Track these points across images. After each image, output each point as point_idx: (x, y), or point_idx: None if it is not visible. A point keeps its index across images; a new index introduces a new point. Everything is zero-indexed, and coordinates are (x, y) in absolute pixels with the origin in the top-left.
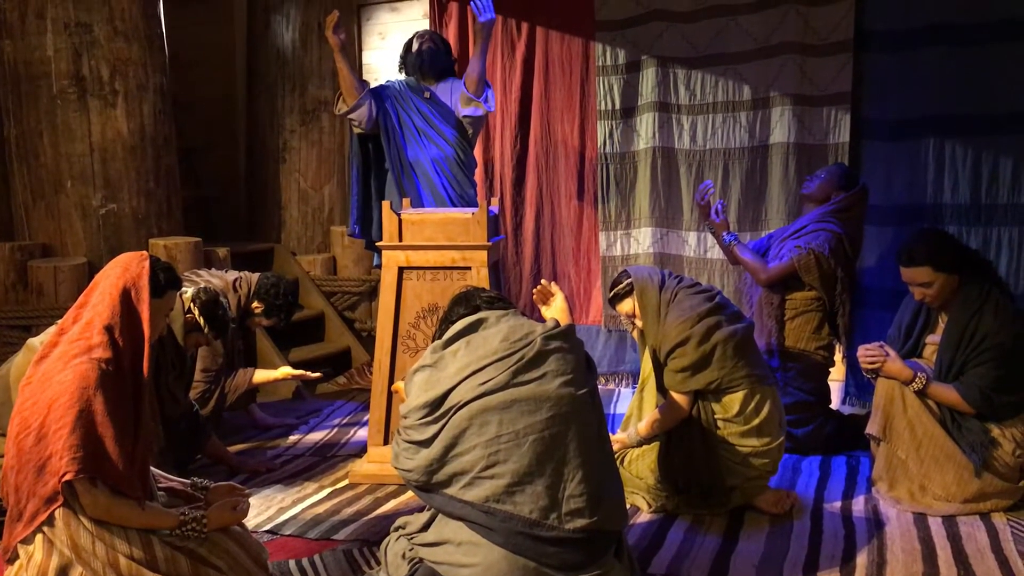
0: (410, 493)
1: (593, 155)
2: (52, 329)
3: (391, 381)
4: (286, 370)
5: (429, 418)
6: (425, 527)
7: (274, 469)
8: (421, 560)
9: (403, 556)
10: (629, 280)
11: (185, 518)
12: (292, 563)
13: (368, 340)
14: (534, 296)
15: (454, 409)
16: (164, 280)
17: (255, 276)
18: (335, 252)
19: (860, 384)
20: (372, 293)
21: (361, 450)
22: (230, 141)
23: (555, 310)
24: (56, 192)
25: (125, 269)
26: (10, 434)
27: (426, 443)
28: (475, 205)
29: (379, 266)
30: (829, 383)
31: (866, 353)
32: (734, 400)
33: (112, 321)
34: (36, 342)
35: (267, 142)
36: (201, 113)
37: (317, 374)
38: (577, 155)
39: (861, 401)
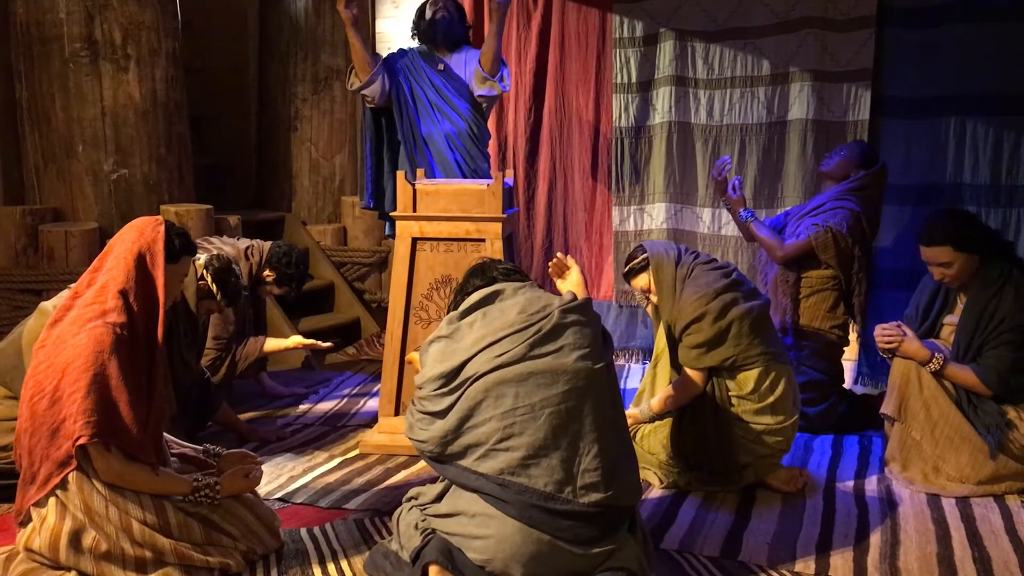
0: (421, 464)
1: (608, 129)
2: (65, 293)
3: (403, 352)
4: (297, 339)
5: (444, 389)
6: (438, 498)
7: (284, 438)
8: (434, 531)
9: (416, 527)
10: (645, 255)
11: (198, 484)
12: (304, 531)
13: (378, 311)
14: (550, 269)
15: (470, 381)
16: (179, 245)
17: (267, 244)
18: (346, 222)
19: (873, 364)
20: (382, 264)
21: (371, 421)
22: (241, 109)
23: (571, 283)
24: (68, 156)
25: (140, 234)
26: (24, 397)
27: (441, 414)
28: (488, 179)
29: (391, 236)
30: (843, 362)
31: (883, 333)
32: (749, 377)
33: (127, 286)
34: (49, 306)
35: (278, 111)
36: (212, 80)
37: (328, 344)
38: (592, 129)
39: (873, 381)
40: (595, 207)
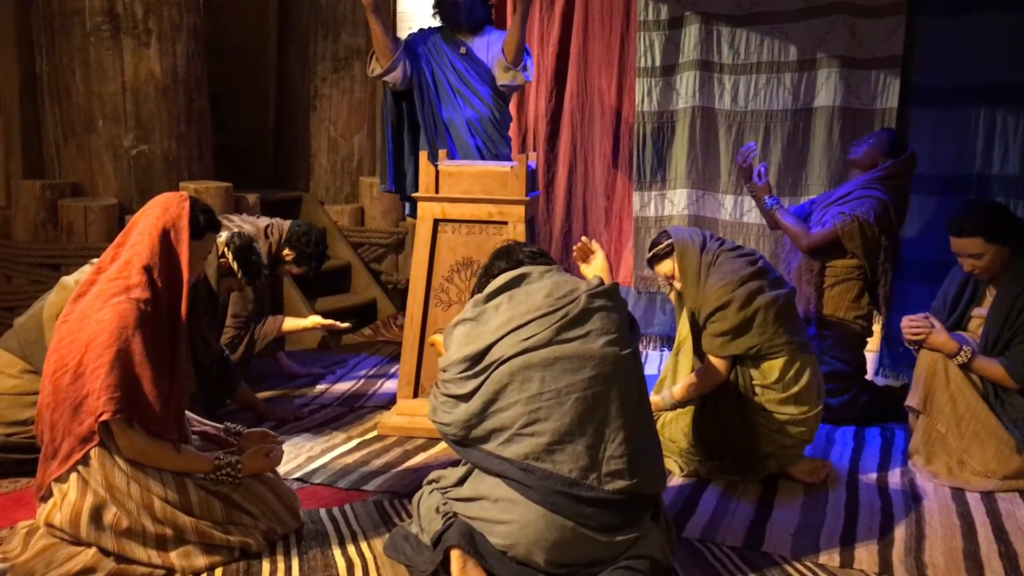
0: (440, 447)
1: (630, 113)
2: (88, 268)
3: (423, 334)
4: (315, 319)
5: (469, 372)
6: (460, 482)
7: (302, 417)
8: (455, 515)
9: (437, 510)
10: (669, 241)
11: (220, 463)
12: (323, 512)
13: (394, 293)
14: (574, 254)
15: (495, 364)
16: (204, 222)
17: (286, 223)
18: (363, 203)
19: (895, 355)
20: (399, 245)
21: (388, 402)
22: (259, 87)
23: (596, 268)
24: (88, 131)
25: (165, 209)
26: (46, 372)
27: (465, 397)
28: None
29: (412, 216)
30: (865, 354)
31: (911, 324)
32: (773, 367)
33: (151, 261)
34: (70, 280)
35: (297, 90)
36: (231, 58)
37: (346, 324)
38: (613, 113)
39: (895, 373)
40: (615, 192)
